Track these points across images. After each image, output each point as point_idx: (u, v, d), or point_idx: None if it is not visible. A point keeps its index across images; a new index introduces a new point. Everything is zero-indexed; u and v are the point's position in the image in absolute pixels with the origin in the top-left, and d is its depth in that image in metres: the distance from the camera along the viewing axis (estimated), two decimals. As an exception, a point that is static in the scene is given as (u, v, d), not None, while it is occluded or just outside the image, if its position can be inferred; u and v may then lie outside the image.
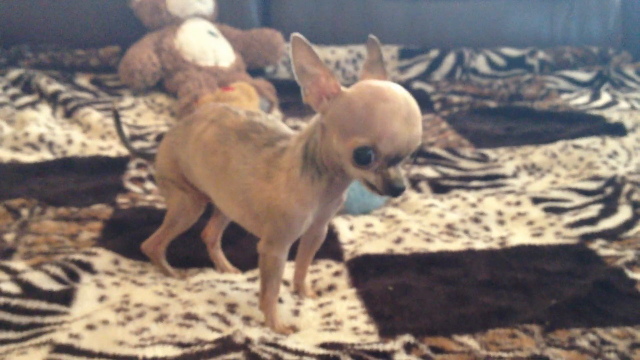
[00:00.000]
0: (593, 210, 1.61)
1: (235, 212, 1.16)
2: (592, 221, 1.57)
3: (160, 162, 1.28)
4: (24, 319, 1.12)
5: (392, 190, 0.95)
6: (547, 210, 1.64)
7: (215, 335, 1.09)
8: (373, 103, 0.93)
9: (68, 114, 2.25)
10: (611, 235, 1.50)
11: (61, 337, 1.05)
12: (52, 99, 2.33)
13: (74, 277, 1.26)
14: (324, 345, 1.06)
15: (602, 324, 1.15)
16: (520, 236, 1.52)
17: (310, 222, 1.10)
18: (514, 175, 1.91)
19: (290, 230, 1.09)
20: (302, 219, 1.08)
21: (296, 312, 1.21)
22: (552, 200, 1.69)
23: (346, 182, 1.07)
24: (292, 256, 1.24)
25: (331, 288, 1.32)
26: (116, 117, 1.40)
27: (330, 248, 1.44)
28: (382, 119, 0.92)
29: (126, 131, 2.11)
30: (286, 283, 1.30)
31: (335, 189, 1.07)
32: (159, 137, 2.10)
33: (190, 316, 1.14)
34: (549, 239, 1.51)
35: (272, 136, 1.12)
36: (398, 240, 1.46)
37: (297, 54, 0.97)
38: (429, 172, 1.92)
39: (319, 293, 1.31)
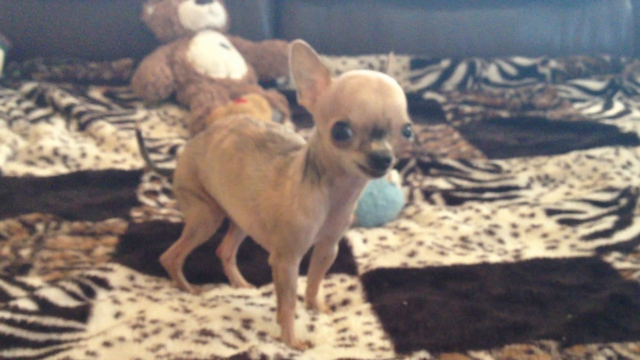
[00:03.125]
0: (608, 222, 1.61)
1: (245, 219, 1.17)
2: (607, 233, 1.56)
3: (180, 172, 1.29)
4: (41, 336, 1.12)
5: (376, 162, 0.93)
6: (562, 222, 1.64)
7: (231, 352, 1.09)
8: (344, 82, 0.97)
9: (82, 127, 2.27)
10: (626, 248, 1.49)
11: (78, 355, 1.06)
12: (66, 112, 2.34)
13: (90, 293, 1.27)
14: (339, 362, 1.07)
15: (619, 338, 1.14)
16: (534, 249, 1.52)
17: (316, 232, 1.10)
18: (528, 187, 1.90)
19: (296, 240, 1.09)
20: (308, 229, 1.08)
21: (311, 328, 1.21)
22: (567, 212, 1.69)
23: (349, 188, 1.06)
24: (304, 270, 1.24)
25: (345, 303, 1.32)
26: (139, 137, 1.40)
27: (344, 262, 1.44)
28: (349, 92, 0.95)
29: (139, 144, 2.11)
30: (300, 298, 1.30)
31: (337, 195, 1.06)
32: (172, 150, 2.10)
33: (205, 332, 1.14)
34: (563, 251, 1.50)
35: (286, 146, 1.13)
36: (412, 254, 1.46)
37: (295, 60, 1.00)
38: (442, 183, 1.92)
39: (333, 308, 1.31)
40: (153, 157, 2.06)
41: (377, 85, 0.95)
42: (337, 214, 1.10)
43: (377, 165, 0.94)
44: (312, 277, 1.27)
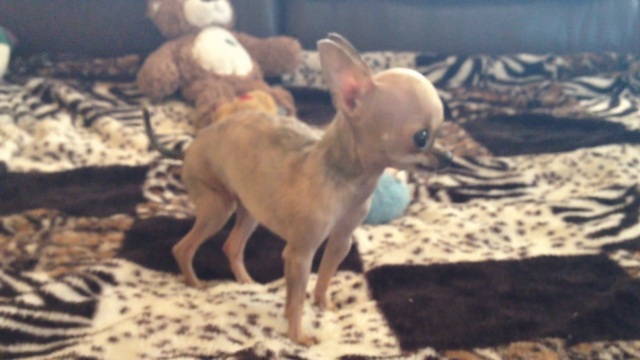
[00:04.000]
0: (614, 220, 1.60)
1: (262, 215, 1.17)
2: (613, 231, 1.55)
3: (191, 162, 1.28)
4: (47, 332, 1.13)
5: (447, 160, 1.00)
6: (568, 220, 1.63)
7: (236, 348, 1.10)
8: (412, 88, 0.97)
9: (87, 123, 2.27)
10: (632, 246, 1.49)
11: (84, 350, 1.06)
12: (72, 108, 2.35)
13: (96, 288, 1.27)
14: (344, 358, 1.07)
15: (625, 337, 1.14)
16: (540, 247, 1.51)
17: (332, 226, 1.10)
18: (534, 184, 1.90)
19: (312, 235, 1.09)
20: (325, 224, 1.08)
21: (317, 324, 1.21)
22: (573, 209, 1.68)
23: (374, 186, 1.09)
24: (314, 268, 1.24)
25: (351, 300, 1.32)
26: (146, 117, 1.39)
27: (350, 259, 1.43)
28: (423, 98, 0.97)
29: (144, 140, 2.12)
30: (307, 295, 1.30)
31: (362, 193, 1.08)
32: (178, 146, 2.10)
33: (211, 328, 1.14)
34: (569, 249, 1.49)
35: (300, 142, 1.13)
36: (417, 251, 1.46)
37: (323, 61, 0.97)
38: (447, 180, 1.91)
39: (338, 305, 1.31)
40: (158, 153, 2.05)
41: (433, 88, 1.00)
42: (358, 206, 1.11)
43: (445, 165, 1.01)
44: (323, 271, 1.27)
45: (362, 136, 1.01)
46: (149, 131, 1.39)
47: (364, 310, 1.24)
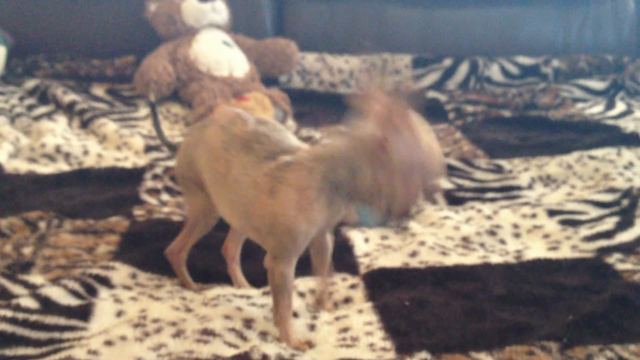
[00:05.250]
0: (609, 223, 1.61)
1: (236, 221, 1.17)
2: (608, 234, 1.56)
3: (180, 161, 1.29)
4: (43, 335, 1.13)
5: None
6: (563, 222, 1.64)
7: (232, 351, 1.10)
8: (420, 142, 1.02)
9: (84, 125, 2.27)
10: (628, 249, 1.49)
11: (80, 354, 1.06)
12: (69, 110, 2.34)
13: (92, 291, 1.27)
14: (340, 362, 1.07)
15: (620, 340, 1.14)
16: (536, 250, 1.52)
17: (313, 235, 1.11)
18: (529, 187, 1.90)
19: (295, 245, 1.10)
20: (308, 234, 1.09)
21: (312, 327, 1.21)
22: (568, 212, 1.68)
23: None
24: (304, 271, 1.24)
25: (347, 300, 1.32)
26: (153, 110, 1.38)
27: (346, 261, 1.45)
28: (431, 150, 1.04)
29: (141, 142, 2.12)
30: (301, 294, 1.30)
31: (347, 207, 1.10)
32: (175, 147, 2.10)
33: (207, 332, 1.14)
34: (565, 252, 1.50)
35: (274, 149, 1.11)
36: (413, 254, 1.46)
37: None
38: (443, 183, 1.91)
39: (335, 304, 1.31)
40: (155, 155, 2.06)
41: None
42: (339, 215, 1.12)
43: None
44: (318, 270, 1.26)
45: (381, 169, 1.01)
46: (156, 123, 1.38)
47: (360, 311, 1.25)
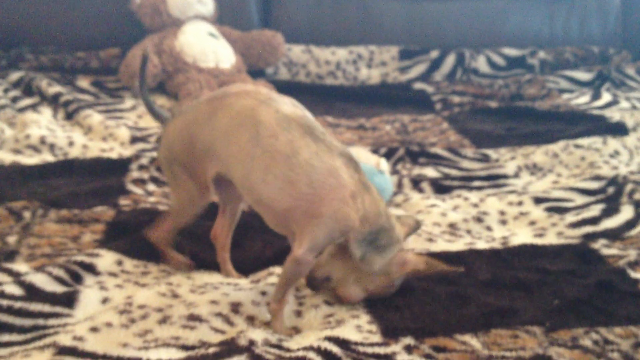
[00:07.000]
0: (595, 210, 1.61)
1: (281, 200, 1.11)
2: (594, 221, 1.57)
3: (171, 143, 1.22)
4: (27, 322, 1.12)
5: None
6: (549, 210, 1.64)
7: (219, 337, 1.09)
8: None
9: (69, 116, 2.25)
10: (613, 235, 1.50)
11: (65, 340, 1.05)
12: (53, 101, 2.33)
13: (77, 278, 1.26)
14: (327, 338, 1.06)
15: (605, 323, 1.15)
16: (522, 236, 1.52)
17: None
18: (516, 175, 1.91)
19: (330, 242, 1.14)
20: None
21: (298, 313, 1.21)
22: (554, 200, 1.69)
23: None
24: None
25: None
26: (144, 63, 1.31)
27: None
28: None
29: (127, 133, 2.10)
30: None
31: None
32: (160, 139, 2.09)
33: (193, 317, 1.14)
34: (551, 239, 1.51)
35: (341, 149, 1.14)
36: (400, 241, 1.46)
37: None
38: (430, 172, 1.92)
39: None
40: (141, 145, 2.05)
41: None
42: None
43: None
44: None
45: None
46: (141, 77, 1.32)
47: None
